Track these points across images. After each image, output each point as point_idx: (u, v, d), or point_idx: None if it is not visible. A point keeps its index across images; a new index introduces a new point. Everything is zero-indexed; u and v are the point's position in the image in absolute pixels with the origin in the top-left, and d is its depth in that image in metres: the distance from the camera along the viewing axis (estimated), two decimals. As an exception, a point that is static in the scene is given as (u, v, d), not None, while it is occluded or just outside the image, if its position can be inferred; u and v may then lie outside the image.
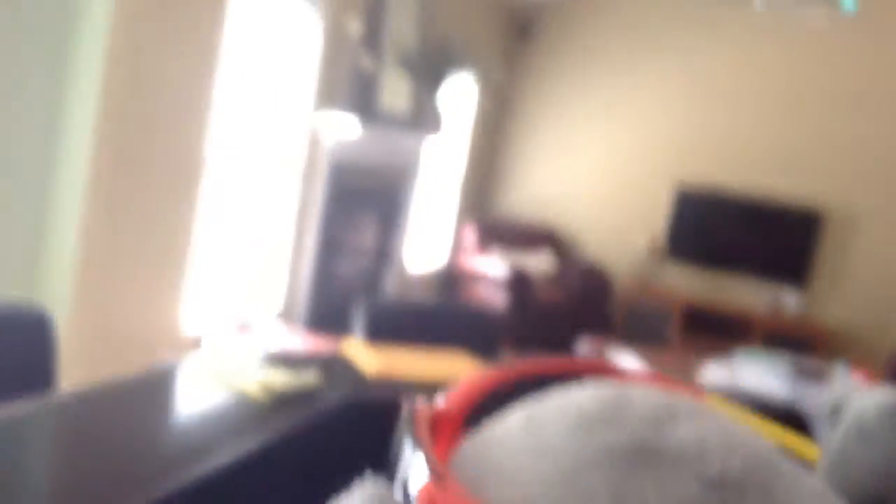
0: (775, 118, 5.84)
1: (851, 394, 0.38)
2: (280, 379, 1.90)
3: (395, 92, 4.74)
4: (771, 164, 5.87)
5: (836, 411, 0.38)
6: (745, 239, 5.93)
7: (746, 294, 5.97)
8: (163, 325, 3.53)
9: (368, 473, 0.32)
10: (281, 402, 1.84)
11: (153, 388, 1.87)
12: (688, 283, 6.12)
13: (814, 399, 2.11)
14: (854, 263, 5.77)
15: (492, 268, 5.54)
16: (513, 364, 0.38)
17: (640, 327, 5.89)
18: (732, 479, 0.30)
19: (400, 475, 0.33)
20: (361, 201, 5.00)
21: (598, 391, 0.34)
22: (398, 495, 0.31)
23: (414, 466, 0.32)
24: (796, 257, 5.82)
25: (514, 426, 0.34)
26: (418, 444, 0.33)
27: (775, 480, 0.31)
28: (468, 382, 0.36)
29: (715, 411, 0.33)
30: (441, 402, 0.37)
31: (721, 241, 6.00)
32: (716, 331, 5.69)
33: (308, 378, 1.94)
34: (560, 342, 4.52)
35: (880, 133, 5.57)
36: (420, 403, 0.35)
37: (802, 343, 5.45)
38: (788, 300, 5.81)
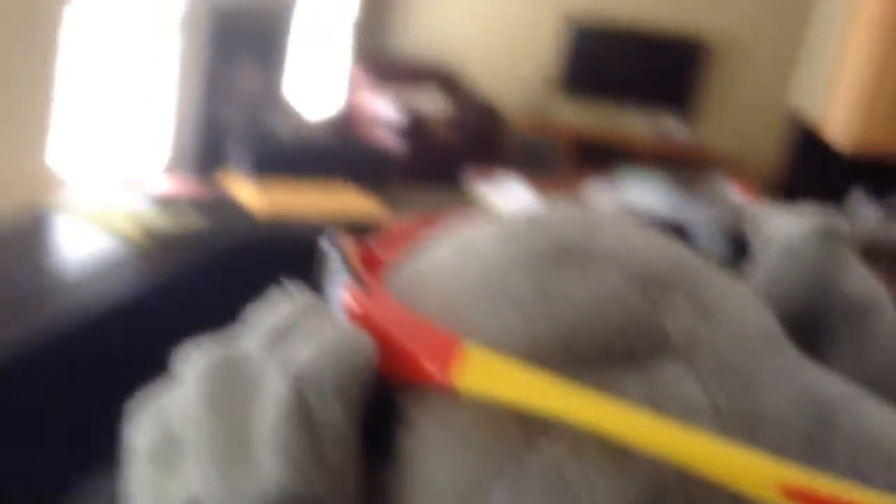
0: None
1: (778, 218, 0.39)
2: (161, 221, 1.84)
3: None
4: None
5: (762, 235, 0.39)
6: (634, 70, 5.97)
7: (635, 125, 6.08)
8: (34, 169, 3.35)
9: (288, 285, 0.31)
10: (163, 244, 1.79)
11: (25, 232, 1.78)
12: (579, 117, 6.17)
13: (695, 212, 2.18)
14: (737, 89, 5.91)
15: (384, 108, 5.45)
16: (437, 213, 0.37)
17: (533, 162, 5.95)
18: (657, 275, 0.30)
19: (326, 295, 0.31)
20: (247, 44, 4.76)
21: (526, 212, 0.34)
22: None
23: (342, 286, 0.31)
24: (683, 85, 5.92)
25: (442, 247, 0.33)
26: (347, 266, 0.31)
27: (700, 281, 0.31)
28: (398, 227, 0.35)
29: (641, 226, 0.33)
30: (369, 243, 0.35)
31: (611, 72, 6.03)
32: (606, 162, 5.81)
33: (191, 219, 1.89)
34: (454, 179, 4.53)
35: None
36: (345, 240, 0.33)
37: (688, 168, 5.63)
38: (675, 128, 5.95)
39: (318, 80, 5.74)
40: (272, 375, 0.27)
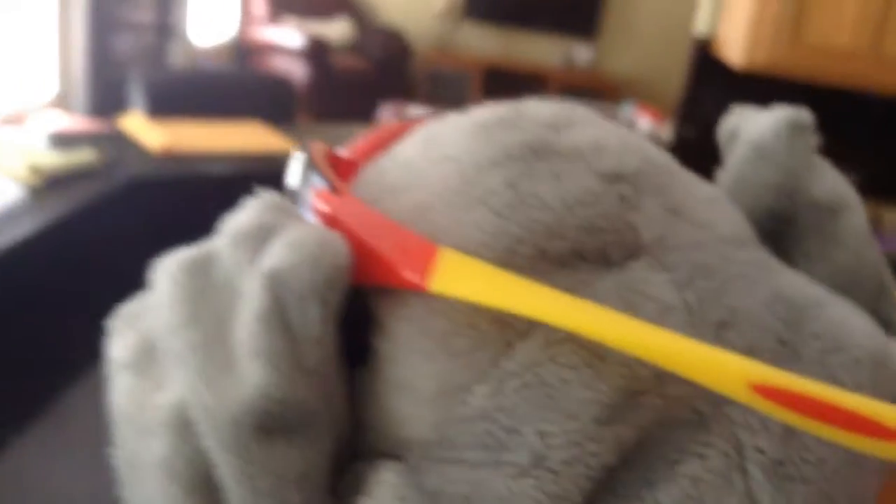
0: None
1: (745, 117, 0.38)
2: (51, 159, 1.74)
3: None
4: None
5: (731, 137, 0.38)
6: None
7: (541, 51, 6.07)
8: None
9: (260, 190, 0.30)
10: (54, 183, 1.70)
11: None
12: (486, 45, 6.12)
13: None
14: (640, 13, 5.95)
15: (286, 38, 5.28)
16: (409, 118, 0.36)
17: (442, 92, 5.89)
18: (628, 173, 0.29)
19: (297, 202, 0.30)
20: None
21: (495, 107, 0.33)
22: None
23: (313, 191, 0.30)
24: (586, 10, 5.92)
25: (410, 145, 0.32)
26: (316, 170, 0.30)
27: (671, 180, 0.31)
28: (371, 134, 0.35)
29: (613, 124, 0.33)
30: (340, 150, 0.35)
31: (516, -2, 5.97)
32: (514, 90, 5.78)
33: (84, 156, 1.79)
34: (361, 112, 4.44)
35: None
36: (316, 146, 0.32)
37: (595, 94, 5.67)
38: (580, 54, 5.97)
39: (213, 6, 5.51)
40: (248, 279, 0.27)
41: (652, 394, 0.26)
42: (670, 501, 0.26)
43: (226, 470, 0.25)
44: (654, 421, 0.26)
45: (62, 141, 1.95)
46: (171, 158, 1.99)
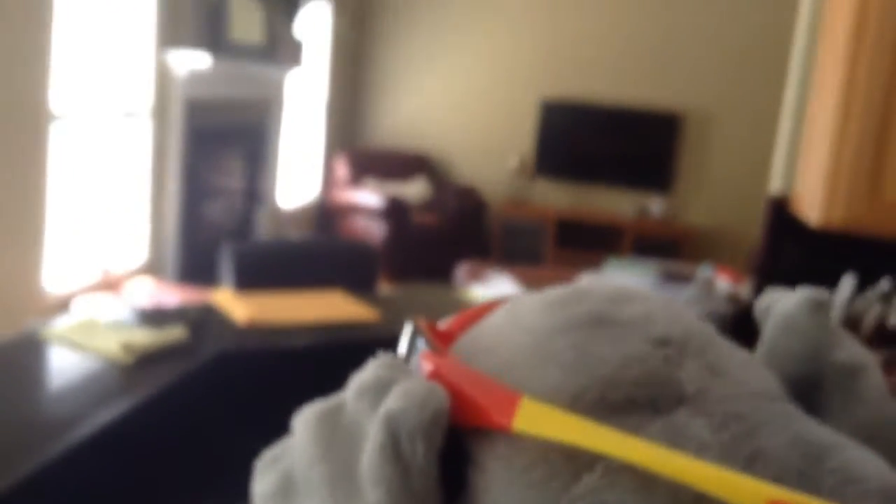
0: (629, 27, 5.92)
1: (776, 297, 0.45)
2: (143, 336, 1.80)
3: (247, 22, 4.52)
4: (629, 71, 5.97)
5: (765, 313, 0.44)
6: (609, 148, 6.05)
7: (614, 203, 6.13)
8: (23, 290, 3.31)
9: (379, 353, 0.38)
10: (145, 360, 1.74)
11: (12, 358, 1.74)
12: (558, 198, 6.22)
13: (680, 299, 2.17)
14: (713, 164, 5.99)
15: (366, 199, 5.46)
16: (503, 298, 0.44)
17: (516, 246, 5.97)
18: (674, 339, 0.36)
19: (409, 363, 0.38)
20: (224, 140, 4.80)
21: (567, 286, 0.41)
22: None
23: (421, 354, 0.38)
24: (659, 162, 6.00)
25: (498, 316, 0.40)
26: (421, 335, 0.39)
27: (711, 346, 0.37)
28: (465, 311, 0.43)
29: (662, 298, 0.40)
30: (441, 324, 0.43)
31: (587, 152, 6.11)
32: (588, 242, 5.83)
33: (174, 333, 1.85)
34: (439, 269, 4.51)
35: (727, 32, 5.74)
36: (420, 320, 0.41)
37: (669, 246, 5.66)
38: (654, 206, 6.00)
39: (297, 173, 5.77)
40: (370, 423, 0.33)
41: None
42: None
43: None
44: None
45: (153, 317, 2.01)
46: (257, 330, 2.03)
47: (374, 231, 5.36)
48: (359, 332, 2.11)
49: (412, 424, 0.32)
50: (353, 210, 5.57)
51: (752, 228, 5.37)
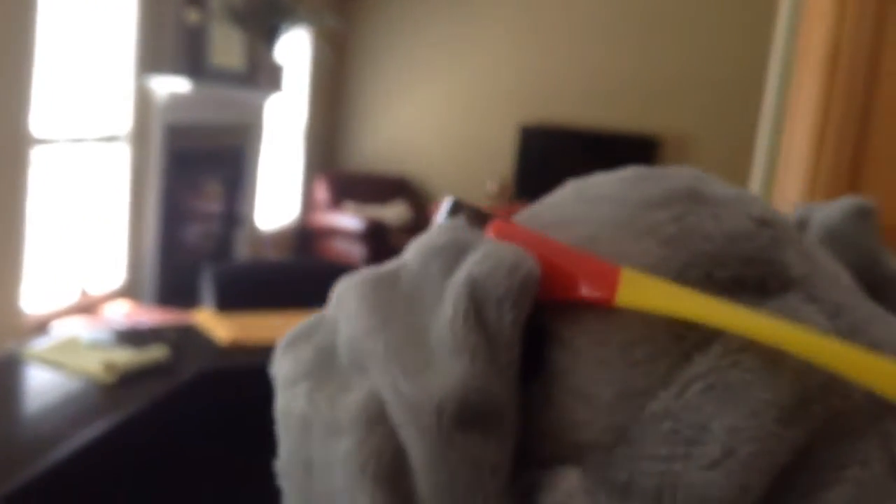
0: (608, 52, 5.99)
1: (812, 208, 0.42)
2: (124, 356, 1.79)
3: (227, 48, 4.54)
4: (607, 95, 6.04)
5: (801, 226, 0.41)
6: (588, 172, 6.02)
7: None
8: (2, 311, 3.28)
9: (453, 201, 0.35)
10: (127, 379, 1.74)
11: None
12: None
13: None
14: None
15: (346, 222, 5.47)
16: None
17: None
18: (774, 222, 0.33)
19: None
20: (203, 164, 4.79)
21: (638, 166, 0.38)
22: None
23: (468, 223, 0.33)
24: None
25: (560, 194, 0.37)
26: (468, 208, 0.34)
27: (799, 235, 0.35)
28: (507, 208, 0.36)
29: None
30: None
31: (566, 176, 6.06)
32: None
33: (155, 353, 1.84)
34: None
35: (704, 56, 5.83)
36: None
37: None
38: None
39: (277, 196, 5.77)
40: (448, 288, 0.30)
41: (819, 403, 0.29)
42: (840, 501, 0.29)
43: (424, 458, 0.28)
44: (820, 429, 0.29)
45: (134, 337, 2.01)
46: (239, 350, 2.03)
47: (353, 254, 5.36)
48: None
49: (500, 290, 0.28)
50: (333, 232, 5.57)
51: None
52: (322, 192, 5.80)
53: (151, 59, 4.05)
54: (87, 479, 1.55)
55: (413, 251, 0.33)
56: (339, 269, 3.35)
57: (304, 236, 5.90)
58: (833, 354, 0.28)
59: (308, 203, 5.99)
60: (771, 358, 0.29)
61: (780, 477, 0.29)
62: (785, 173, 2.12)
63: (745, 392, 0.29)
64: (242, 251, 5.16)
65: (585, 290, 0.30)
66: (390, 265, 0.34)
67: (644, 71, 5.94)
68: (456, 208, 0.35)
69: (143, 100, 4.08)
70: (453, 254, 0.31)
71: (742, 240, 0.32)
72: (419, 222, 5.97)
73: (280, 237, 5.79)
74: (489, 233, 0.33)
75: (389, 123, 6.42)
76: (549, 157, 6.15)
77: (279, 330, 1.69)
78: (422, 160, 6.38)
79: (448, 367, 0.28)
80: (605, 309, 0.30)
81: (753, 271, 0.31)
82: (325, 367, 0.32)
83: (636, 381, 0.29)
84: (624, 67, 5.98)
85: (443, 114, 6.32)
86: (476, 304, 0.28)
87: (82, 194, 3.86)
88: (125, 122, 4.01)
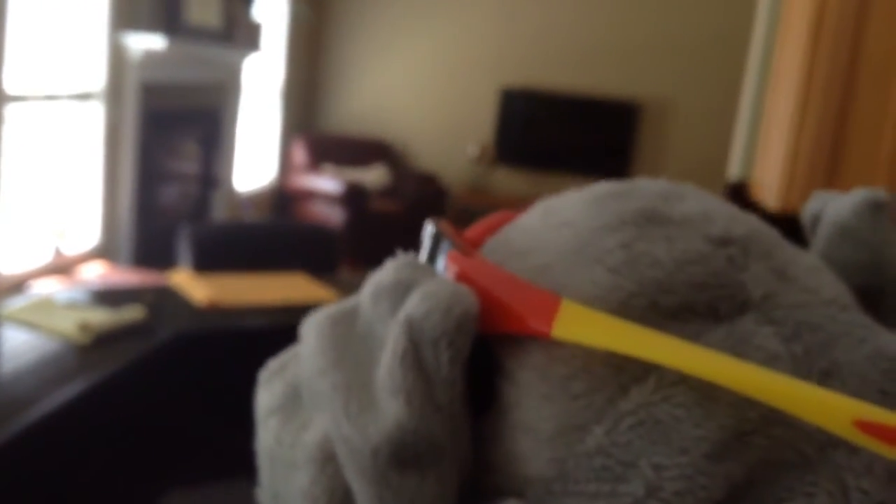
0: (589, 15, 5.95)
1: (826, 200, 0.40)
2: (99, 317, 1.76)
3: (204, 4, 4.45)
4: (589, 59, 6.00)
5: (815, 220, 0.40)
6: (569, 136, 6.08)
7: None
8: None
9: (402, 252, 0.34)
10: (103, 340, 1.71)
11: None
12: (517, 186, 6.24)
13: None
14: (671, 152, 6.06)
15: (324, 184, 5.42)
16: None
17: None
18: (737, 238, 0.32)
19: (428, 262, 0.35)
20: (179, 124, 4.72)
21: (610, 182, 0.37)
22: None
23: (445, 255, 0.33)
24: (618, 150, 6.04)
25: (531, 217, 0.36)
26: (448, 239, 0.34)
27: (777, 248, 0.33)
28: (488, 217, 0.39)
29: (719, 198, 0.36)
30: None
31: (546, 140, 6.14)
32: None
33: (131, 313, 1.82)
34: (397, 251, 4.50)
35: (686, 21, 5.80)
36: (443, 222, 0.37)
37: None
38: (613, 194, 6.04)
39: (254, 157, 5.71)
40: (389, 328, 0.30)
41: (759, 434, 0.28)
42: None
43: (364, 498, 0.28)
44: (761, 460, 0.28)
45: (110, 297, 1.98)
46: (216, 311, 2.00)
47: (332, 217, 5.32)
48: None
49: (436, 330, 0.28)
50: (312, 195, 5.52)
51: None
52: (300, 155, 5.74)
53: (126, 15, 3.97)
54: (63, 440, 1.54)
55: (367, 288, 0.33)
56: (316, 231, 3.32)
57: (282, 198, 5.85)
58: (764, 388, 0.27)
59: (286, 165, 5.93)
60: (705, 391, 0.28)
61: None
62: (768, 135, 2.11)
63: (674, 428, 0.28)
64: (220, 213, 5.11)
65: (529, 323, 0.29)
66: (354, 300, 0.33)
67: (626, 34, 5.91)
68: (437, 238, 0.35)
69: (118, 57, 4.00)
70: (399, 293, 0.31)
71: (692, 264, 0.31)
72: (399, 186, 5.94)
73: (258, 199, 5.73)
74: (446, 265, 0.33)
75: (369, 85, 6.35)
76: (530, 120, 6.12)
77: (256, 292, 1.69)
78: (402, 123, 6.33)
79: (387, 409, 0.28)
80: (548, 342, 0.29)
81: (703, 296, 0.30)
82: (291, 403, 0.33)
83: (575, 416, 0.29)
84: (606, 30, 5.94)
85: (424, 76, 6.26)
86: (413, 345, 0.28)
87: (56, 153, 3.79)
88: (99, 79, 3.94)
